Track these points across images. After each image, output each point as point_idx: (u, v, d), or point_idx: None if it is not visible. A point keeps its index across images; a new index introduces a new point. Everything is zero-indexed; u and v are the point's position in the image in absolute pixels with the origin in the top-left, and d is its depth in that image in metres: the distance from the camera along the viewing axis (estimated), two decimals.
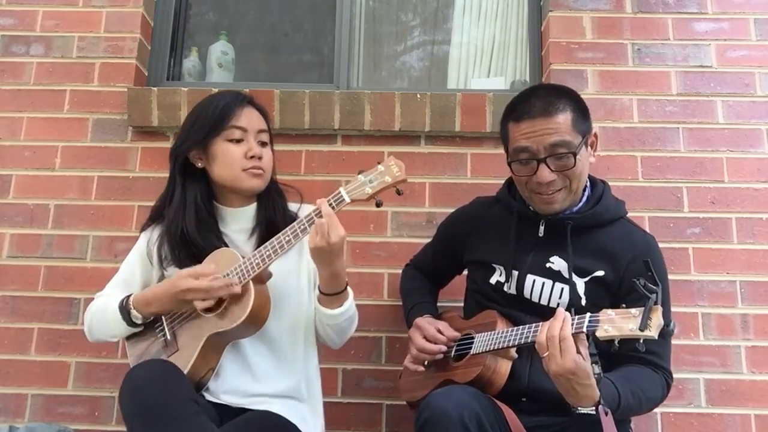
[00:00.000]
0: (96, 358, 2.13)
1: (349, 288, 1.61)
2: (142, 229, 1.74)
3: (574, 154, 1.52)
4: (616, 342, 1.26)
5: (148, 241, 1.69)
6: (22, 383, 2.13)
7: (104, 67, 2.35)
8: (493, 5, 2.66)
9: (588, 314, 1.31)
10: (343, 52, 2.48)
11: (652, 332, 1.20)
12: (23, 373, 2.14)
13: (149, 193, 2.24)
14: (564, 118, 1.53)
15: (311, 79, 2.70)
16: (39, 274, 2.20)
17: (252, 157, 1.63)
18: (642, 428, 1.99)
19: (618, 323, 1.25)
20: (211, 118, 1.63)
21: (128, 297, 1.59)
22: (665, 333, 1.22)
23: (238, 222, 1.69)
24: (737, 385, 2.04)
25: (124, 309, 1.58)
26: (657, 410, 2.01)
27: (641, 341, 1.23)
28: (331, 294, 1.56)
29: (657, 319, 1.21)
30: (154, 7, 2.50)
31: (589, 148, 1.60)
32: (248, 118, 1.66)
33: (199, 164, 1.66)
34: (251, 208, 1.70)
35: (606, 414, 1.32)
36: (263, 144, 1.68)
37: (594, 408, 1.32)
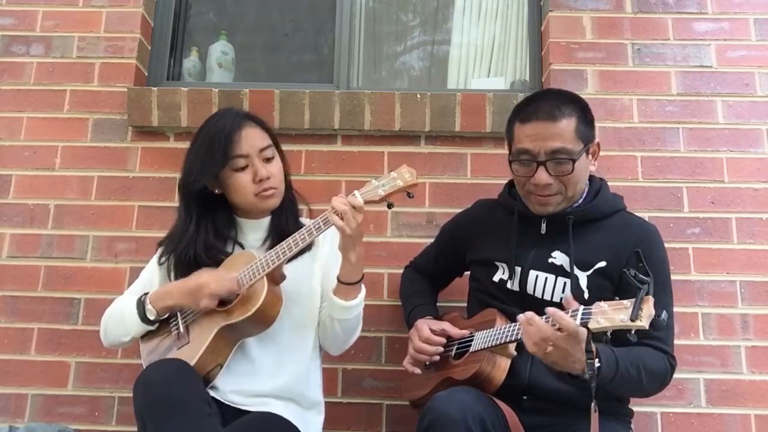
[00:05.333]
0: (96, 358, 2.13)
1: (362, 284, 1.64)
2: (160, 259, 1.73)
3: (573, 161, 1.54)
4: (608, 333, 1.26)
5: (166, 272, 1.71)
6: (22, 383, 2.13)
7: (104, 67, 2.35)
8: (493, 5, 2.66)
9: (581, 307, 1.32)
10: (343, 52, 2.48)
11: (643, 322, 1.20)
12: (23, 373, 2.14)
13: (149, 193, 2.24)
14: (568, 124, 1.55)
15: (311, 79, 2.70)
16: (39, 274, 2.20)
17: (260, 180, 1.65)
18: (642, 428, 1.99)
19: (610, 314, 1.26)
20: (214, 154, 1.63)
21: (146, 293, 1.65)
22: (656, 324, 1.22)
23: (255, 232, 1.74)
24: (737, 385, 2.04)
25: (141, 304, 1.62)
26: (657, 410, 2.01)
27: (633, 332, 1.23)
28: (350, 283, 1.60)
29: (648, 309, 1.21)
30: (154, 7, 2.50)
31: (589, 156, 1.62)
32: (248, 141, 1.65)
33: (217, 191, 1.70)
34: (266, 220, 1.74)
35: (595, 411, 1.33)
36: (268, 160, 1.68)
37: (593, 370, 1.32)
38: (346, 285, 1.60)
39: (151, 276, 1.75)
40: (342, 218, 1.50)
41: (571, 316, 1.32)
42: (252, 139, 1.67)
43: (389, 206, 1.54)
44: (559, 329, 1.31)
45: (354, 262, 1.57)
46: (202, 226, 1.67)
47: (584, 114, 1.60)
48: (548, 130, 1.55)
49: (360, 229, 1.53)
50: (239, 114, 1.70)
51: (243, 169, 1.65)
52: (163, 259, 1.70)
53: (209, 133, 1.67)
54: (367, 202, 1.52)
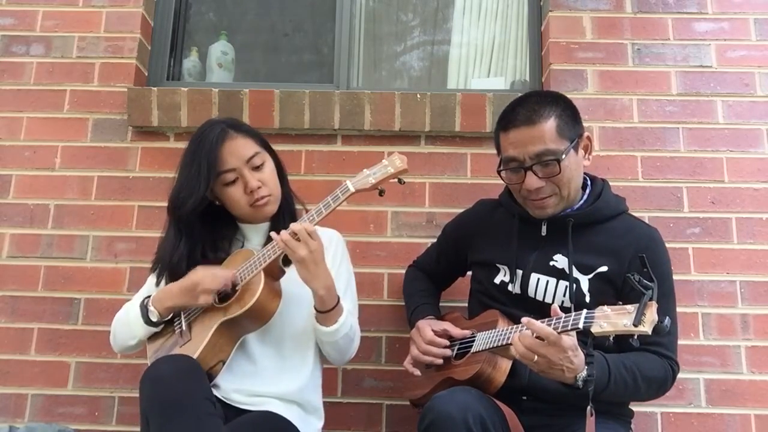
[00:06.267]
0: (96, 358, 2.13)
1: (344, 306, 1.63)
2: (157, 282, 1.73)
3: (559, 161, 1.54)
4: (611, 338, 1.27)
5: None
6: (22, 383, 2.13)
7: (104, 67, 2.35)
8: (493, 5, 2.66)
9: (584, 311, 1.32)
10: (343, 52, 2.48)
11: (646, 328, 1.21)
12: (23, 373, 2.14)
13: (149, 193, 2.24)
14: (548, 126, 1.55)
15: (311, 79, 2.70)
16: (39, 274, 2.20)
17: (251, 191, 1.64)
18: (642, 428, 1.99)
19: (613, 319, 1.26)
20: (200, 176, 1.61)
21: (149, 296, 1.66)
22: (659, 329, 1.23)
23: (257, 236, 1.75)
24: (737, 385, 2.04)
25: (144, 307, 1.64)
26: (657, 410, 2.02)
27: (635, 337, 1.23)
28: (325, 311, 1.59)
29: (651, 315, 1.22)
30: (154, 7, 2.50)
31: (581, 151, 1.62)
32: (234, 154, 1.64)
33: (217, 203, 1.71)
34: (266, 224, 1.75)
35: (591, 415, 1.33)
36: (258, 168, 1.67)
37: (585, 377, 1.34)
38: (322, 313, 1.59)
39: (157, 281, 1.74)
40: (287, 246, 1.50)
41: (554, 325, 1.33)
42: (237, 150, 1.65)
43: (380, 193, 1.55)
44: (538, 338, 1.32)
45: (323, 293, 1.56)
46: (198, 241, 1.67)
47: (566, 112, 1.59)
48: (528, 135, 1.55)
49: (315, 255, 1.51)
50: (220, 127, 1.66)
51: (233, 182, 1.65)
52: (160, 279, 1.70)
53: (193, 154, 1.65)
54: (359, 191, 1.53)
